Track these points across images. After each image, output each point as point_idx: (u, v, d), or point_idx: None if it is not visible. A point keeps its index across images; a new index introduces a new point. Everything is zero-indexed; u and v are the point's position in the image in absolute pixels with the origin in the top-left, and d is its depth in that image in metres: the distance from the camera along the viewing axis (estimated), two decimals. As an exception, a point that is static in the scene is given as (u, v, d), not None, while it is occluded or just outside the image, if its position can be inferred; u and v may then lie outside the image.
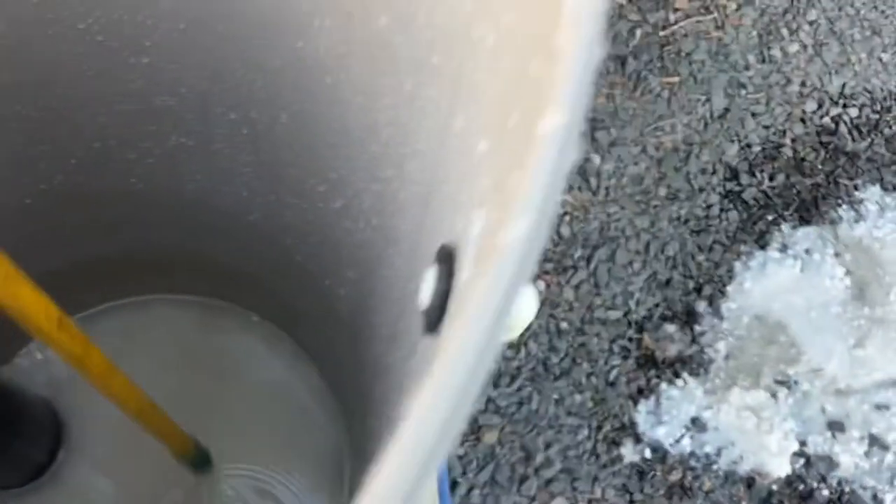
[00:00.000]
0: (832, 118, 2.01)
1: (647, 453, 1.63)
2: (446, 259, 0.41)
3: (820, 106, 2.02)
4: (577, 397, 1.66)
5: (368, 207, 0.81)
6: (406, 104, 0.60)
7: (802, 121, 1.99)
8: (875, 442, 1.68)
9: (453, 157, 0.47)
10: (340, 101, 0.74)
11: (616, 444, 1.63)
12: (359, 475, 1.33)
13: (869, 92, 2.04)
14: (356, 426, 1.29)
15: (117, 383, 0.98)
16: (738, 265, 1.78)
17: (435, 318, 0.41)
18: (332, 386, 1.46)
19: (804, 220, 1.87)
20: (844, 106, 2.02)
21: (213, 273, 1.45)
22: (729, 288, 1.75)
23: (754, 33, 2.09)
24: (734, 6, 2.12)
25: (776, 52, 2.07)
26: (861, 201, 1.93)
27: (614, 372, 1.67)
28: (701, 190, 1.86)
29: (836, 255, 1.86)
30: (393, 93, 0.62)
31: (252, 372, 1.50)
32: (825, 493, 1.63)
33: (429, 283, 0.42)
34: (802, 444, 1.67)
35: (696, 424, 1.62)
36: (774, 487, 1.61)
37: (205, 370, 1.49)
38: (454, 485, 1.64)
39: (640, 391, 1.67)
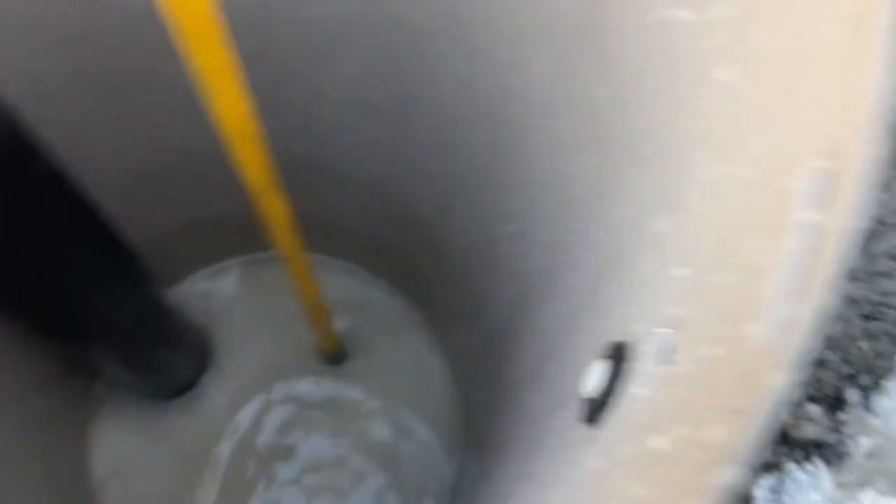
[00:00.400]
0: None
1: (758, 531, 1.57)
2: (618, 357, 0.42)
3: None
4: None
5: (539, 245, 0.83)
6: (607, 174, 0.61)
7: None
8: None
9: (646, 254, 0.48)
10: (537, 142, 0.77)
11: (726, 511, 1.58)
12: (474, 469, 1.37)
13: None
14: (477, 422, 1.33)
15: (308, 285, 1.15)
16: (903, 362, 1.66)
17: (596, 411, 0.42)
18: (455, 380, 1.50)
19: None
20: None
21: (369, 247, 1.53)
22: (888, 384, 1.64)
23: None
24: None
25: None
26: None
27: (742, 439, 1.61)
28: (883, 275, 1.74)
29: None
30: (595, 156, 0.63)
31: (385, 345, 1.57)
32: None
33: (595, 376, 0.44)
34: (930, 568, 1.55)
35: (817, 515, 1.54)
36: None
37: (344, 334, 1.57)
38: None
39: (766, 466, 1.60)
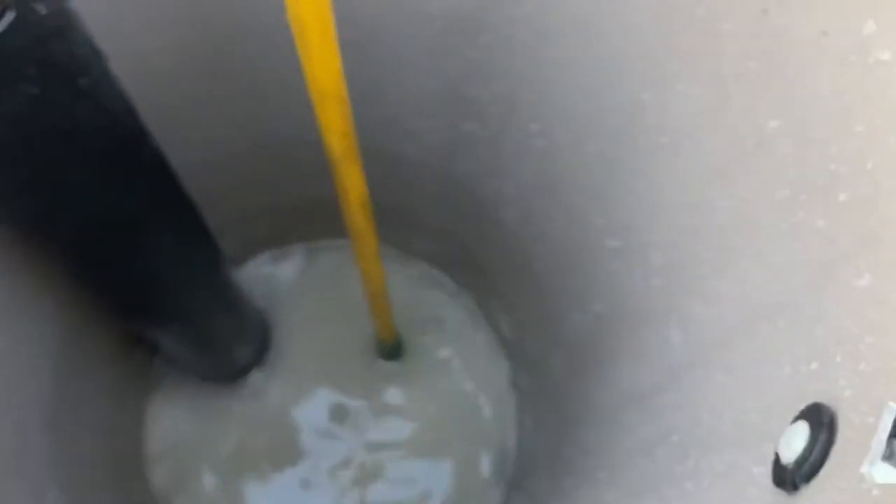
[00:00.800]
0: None
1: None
2: (828, 427, 0.40)
3: None
4: None
5: (655, 266, 0.80)
6: (769, 209, 0.58)
7: None
8: None
9: (839, 307, 0.45)
10: (669, 162, 0.74)
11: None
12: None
13: None
14: (539, 431, 1.31)
15: (375, 268, 1.11)
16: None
17: (800, 478, 0.40)
18: (519, 383, 1.48)
19: None
20: None
21: (440, 244, 1.50)
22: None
23: None
24: None
25: None
26: None
27: None
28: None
29: None
30: (751, 189, 0.60)
31: (444, 343, 1.55)
32: None
33: (796, 441, 0.41)
34: None
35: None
36: None
37: (401, 328, 1.56)
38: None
39: None
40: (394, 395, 1.51)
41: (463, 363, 1.52)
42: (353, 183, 0.87)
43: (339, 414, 1.50)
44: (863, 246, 0.46)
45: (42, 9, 0.61)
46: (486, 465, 1.46)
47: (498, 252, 1.32)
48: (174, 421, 1.45)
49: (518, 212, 1.17)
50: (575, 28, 0.80)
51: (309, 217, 1.54)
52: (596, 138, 0.87)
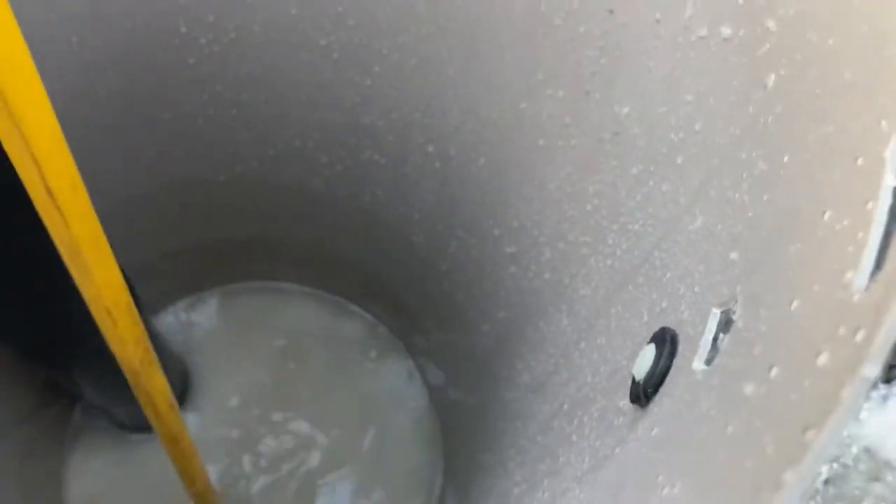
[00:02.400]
0: None
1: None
2: (671, 342, 0.46)
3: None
4: None
5: (545, 262, 0.87)
6: (625, 185, 0.65)
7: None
8: None
9: (681, 251, 0.52)
10: (549, 162, 0.81)
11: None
12: (450, 499, 1.38)
13: None
14: (461, 454, 1.34)
15: (197, 466, 1.07)
16: (861, 394, 1.74)
17: (650, 393, 0.45)
18: (440, 405, 1.52)
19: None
20: None
21: (352, 275, 1.54)
22: (847, 414, 1.71)
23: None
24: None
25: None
26: None
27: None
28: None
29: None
30: (612, 172, 0.68)
31: (365, 377, 1.58)
32: None
33: (645, 360, 0.47)
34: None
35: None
36: None
37: (318, 364, 1.58)
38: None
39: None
40: (312, 434, 1.52)
41: (381, 395, 1.54)
42: (157, 387, 0.84)
43: (261, 455, 1.50)
44: (696, 197, 0.53)
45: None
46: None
47: (410, 277, 1.36)
48: (96, 474, 1.42)
49: (425, 234, 1.22)
50: (455, 51, 0.87)
51: (222, 260, 1.56)
52: (485, 152, 0.94)
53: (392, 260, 1.37)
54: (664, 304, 0.53)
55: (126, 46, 1.03)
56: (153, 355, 0.82)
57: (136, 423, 1.44)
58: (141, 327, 0.77)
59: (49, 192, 0.52)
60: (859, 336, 0.25)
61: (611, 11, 0.64)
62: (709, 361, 0.41)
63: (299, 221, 1.41)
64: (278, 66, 1.05)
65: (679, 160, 0.55)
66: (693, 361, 0.42)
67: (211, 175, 1.33)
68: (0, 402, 1.21)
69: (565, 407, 0.70)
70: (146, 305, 1.46)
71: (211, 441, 1.49)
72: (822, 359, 0.27)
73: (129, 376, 0.81)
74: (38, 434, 1.36)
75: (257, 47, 1.02)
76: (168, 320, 1.62)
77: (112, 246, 1.05)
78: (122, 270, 1.08)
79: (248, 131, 1.22)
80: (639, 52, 0.61)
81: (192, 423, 1.50)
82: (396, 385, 1.56)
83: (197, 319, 1.64)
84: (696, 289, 0.47)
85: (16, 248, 0.85)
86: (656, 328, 0.50)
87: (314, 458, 1.49)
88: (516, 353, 0.99)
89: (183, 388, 1.53)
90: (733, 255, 0.43)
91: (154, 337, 1.32)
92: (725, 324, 0.41)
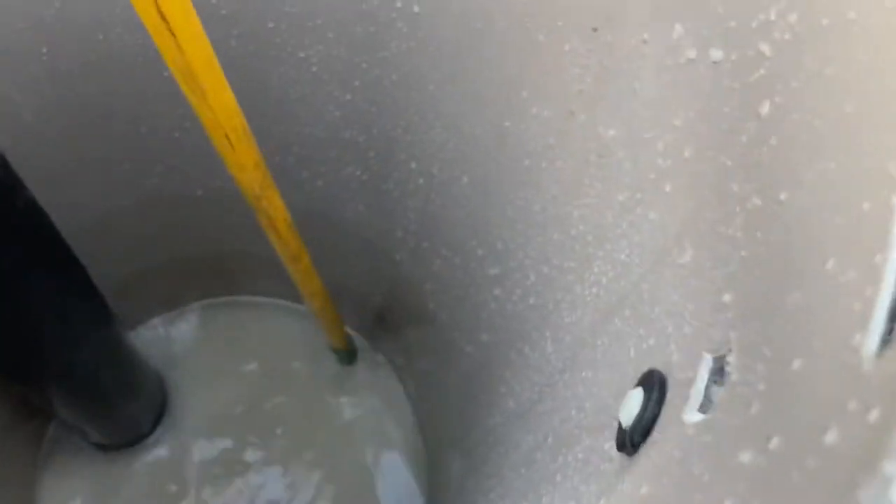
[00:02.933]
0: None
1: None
2: (659, 386, 0.43)
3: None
4: None
5: (530, 285, 0.84)
6: (611, 211, 0.62)
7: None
8: None
9: (670, 285, 0.49)
10: (533, 183, 0.78)
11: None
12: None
13: None
14: (443, 479, 1.31)
15: (316, 284, 1.14)
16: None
17: (637, 440, 0.43)
18: (423, 428, 1.48)
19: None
20: None
21: (333, 291, 1.51)
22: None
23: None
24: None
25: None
26: None
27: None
28: None
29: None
30: (598, 197, 0.65)
31: (345, 394, 1.54)
32: None
33: (632, 405, 0.44)
34: None
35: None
36: None
37: (298, 380, 1.54)
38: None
39: None
40: (280, 444, 1.49)
41: (360, 410, 1.51)
42: (278, 208, 0.87)
43: (234, 475, 1.46)
44: (685, 227, 0.50)
45: None
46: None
47: (393, 294, 1.33)
48: (68, 492, 1.38)
49: (408, 252, 1.19)
50: (437, 67, 0.84)
51: (201, 275, 1.52)
52: (468, 170, 0.91)
53: (375, 277, 1.34)
54: (651, 342, 0.50)
55: (99, 57, 1.00)
56: (271, 179, 0.83)
57: (110, 441, 1.40)
58: (258, 151, 0.78)
59: (162, 16, 0.54)
60: (873, 416, 0.22)
61: (595, 29, 0.61)
62: (702, 411, 0.39)
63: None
64: (256, 80, 1.02)
65: (667, 188, 0.53)
66: (684, 412, 0.39)
67: (189, 190, 1.30)
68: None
69: (549, 440, 0.67)
70: (124, 320, 1.43)
71: (188, 457, 1.45)
72: (830, 437, 0.24)
73: (251, 200, 0.83)
74: (11, 450, 1.32)
75: (234, 60, 0.99)
76: (147, 335, 1.59)
77: (89, 260, 1.02)
78: (93, 283, 1.05)
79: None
80: (624, 73, 0.59)
81: (169, 438, 1.46)
82: (377, 405, 1.53)
83: (176, 334, 1.60)
84: (686, 329, 0.44)
85: (5, 258, 0.81)
86: (644, 368, 0.47)
87: (290, 479, 1.45)
88: (500, 378, 0.96)
89: (161, 403, 1.49)
90: (726, 298, 0.40)
91: (132, 352, 1.29)
92: (718, 372, 0.38)
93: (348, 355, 1.52)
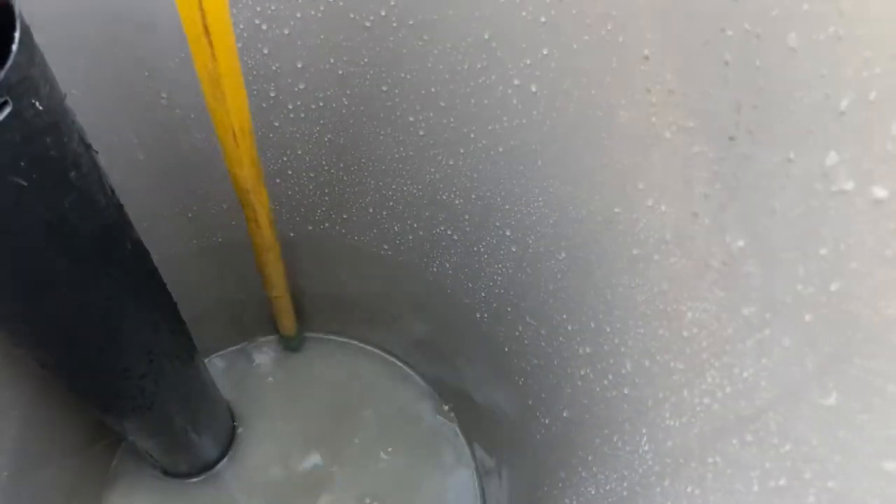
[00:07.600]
0: None
1: None
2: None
3: None
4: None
5: (625, 374, 0.82)
6: (736, 325, 0.60)
7: None
8: None
9: (808, 427, 0.47)
10: (639, 273, 0.76)
11: None
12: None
13: None
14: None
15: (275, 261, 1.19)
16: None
17: None
18: (484, 493, 1.46)
19: None
20: None
21: (410, 339, 1.51)
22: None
23: None
24: None
25: None
26: None
27: None
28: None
29: None
30: (718, 304, 0.63)
31: (413, 445, 1.53)
32: None
33: None
34: None
35: None
36: None
37: (367, 426, 1.54)
38: None
39: None
40: (347, 485, 1.48)
41: (428, 464, 1.50)
42: (263, 203, 0.99)
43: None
44: (829, 365, 0.48)
45: (39, 104, 0.63)
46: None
47: (470, 350, 1.32)
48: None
49: (490, 313, 1.18)
50: (547, 147, 0.84)
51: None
52: (567, 247, 0.90)
53: (453, 331, 1.34)
54: (782, 482, 0.47)
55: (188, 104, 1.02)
56: (262, 177, 0.94)
57: (176, 469, 1.42)
58: (256, 151, 0.88)
59: (206, 30, 0.64)
60: None
61: (732, 139, 0.60)
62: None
63: (365, 284, 1.39)
64: (362, 136, 1.03)
65: (807, 318, 0.50)
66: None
67: (281, 232, 1.32)
68: (48, 436, 1.20)
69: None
70: (204, 351, 1.45)
71: (252, 491, 1.46)
72: None
73: (240, 194, 0.94)
74: (80, 470, 1.34)
75: (343, 117, 1.00)
76: (220, 364, 1.61)
77: (172, 290, 1.04)
78: (182, 318, 1.06)
79: (323, 195, 1.20)
80: (761, 188, 0.57)
81: (234, 471, 1.47)
82: (444, 461, 1.51)
83: (249, 366, 1.62)
84: (831, 484, 0.42)
85: (76, 303, 0.83)
86: (774, 512, 0.45)
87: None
88: (581, 461, 0.94)
89: (229, 436, 1.50)
90: (889, 466, 0.38)
91: (208, 385, 1.31)
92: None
93: (294, 341, 1.61)
